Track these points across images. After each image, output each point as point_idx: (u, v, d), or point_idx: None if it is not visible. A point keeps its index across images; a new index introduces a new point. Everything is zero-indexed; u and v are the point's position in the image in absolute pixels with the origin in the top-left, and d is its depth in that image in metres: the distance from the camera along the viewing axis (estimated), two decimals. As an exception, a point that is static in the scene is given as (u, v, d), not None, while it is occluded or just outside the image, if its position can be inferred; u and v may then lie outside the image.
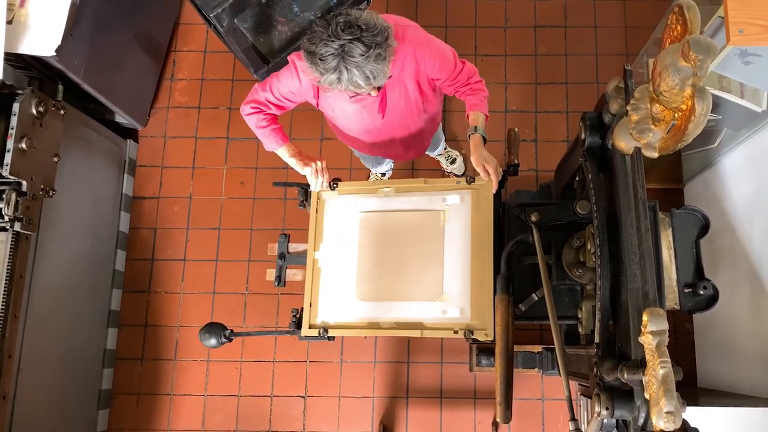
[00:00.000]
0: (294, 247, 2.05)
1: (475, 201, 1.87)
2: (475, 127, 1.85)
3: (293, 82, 1.82)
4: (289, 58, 1.80)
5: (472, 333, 1.72)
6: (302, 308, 1.90)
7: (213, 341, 1.83)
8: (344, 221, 1.96)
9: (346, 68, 1.53)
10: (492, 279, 1.76)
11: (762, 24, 1.66)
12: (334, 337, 1.86)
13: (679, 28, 1.05)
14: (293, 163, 1.96)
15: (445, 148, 2.91)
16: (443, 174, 3.01)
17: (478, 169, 1.82)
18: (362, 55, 1.51)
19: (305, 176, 1.96)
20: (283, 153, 1.97)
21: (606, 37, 3.18)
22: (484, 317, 1.75)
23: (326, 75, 1.55)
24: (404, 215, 1.93)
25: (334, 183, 1.97)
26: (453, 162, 2.95)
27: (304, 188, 2.01)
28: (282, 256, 2.03)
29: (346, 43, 1.50)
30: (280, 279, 2.02)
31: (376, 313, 1.85)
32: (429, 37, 1.82)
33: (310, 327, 1.86)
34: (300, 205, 2.01)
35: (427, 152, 2.75)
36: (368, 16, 1.56)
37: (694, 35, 0.99)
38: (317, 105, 1.93)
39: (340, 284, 1.91)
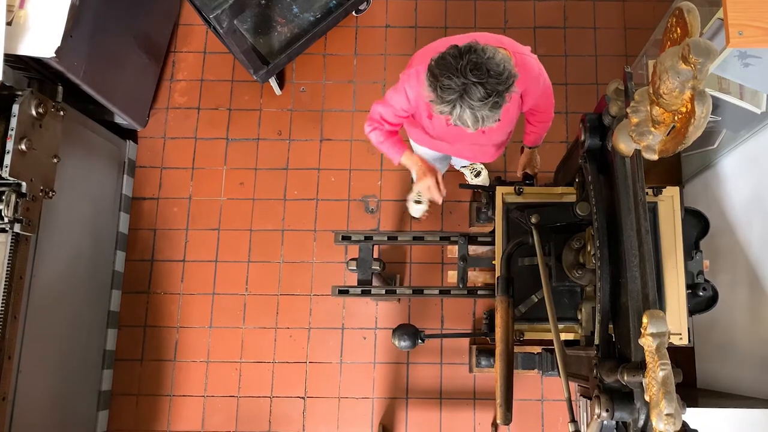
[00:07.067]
0: (473, 249, 2.09)
1: (663, 212, 1.92)
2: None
3: (403, 101, 1.87)
4: (401, 75, 1.84)
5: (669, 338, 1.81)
6: (492, 310, 1.89)
7: (408, 343, 1.92)
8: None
9: (461, 106, 1.54)
10: (683, 285, 1.82)
11: (761, 26, 1.66)
12: (523, 340, 1.86)
13: (678, 30, 1.05)
14: (413, 171, 2.04)
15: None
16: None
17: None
18: (480, 100, 1.51)
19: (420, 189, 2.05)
20: (405, 161, 2.03)
21: (605, 38, 3.18)
22: (679, 323, 1.82)
23: (441, 105, 1.57)
24: None
25: (519, 188, 1.96)
26: (478, 175, 2.92)
27: (488, 191, 2.02)
28: (463, 258, 2.06)
29: (469, 84, 1.50)
30: (464, 280, 2.04)
31: None
32: (540, 68, 1.86)
33: None
34: (484, 209, 2.03)
35: (451, 163, 2.73)
36: (500, 59, 1.54)
37: (694, 38, 0.99)
38: (418, 115, 1.97)
39: None
